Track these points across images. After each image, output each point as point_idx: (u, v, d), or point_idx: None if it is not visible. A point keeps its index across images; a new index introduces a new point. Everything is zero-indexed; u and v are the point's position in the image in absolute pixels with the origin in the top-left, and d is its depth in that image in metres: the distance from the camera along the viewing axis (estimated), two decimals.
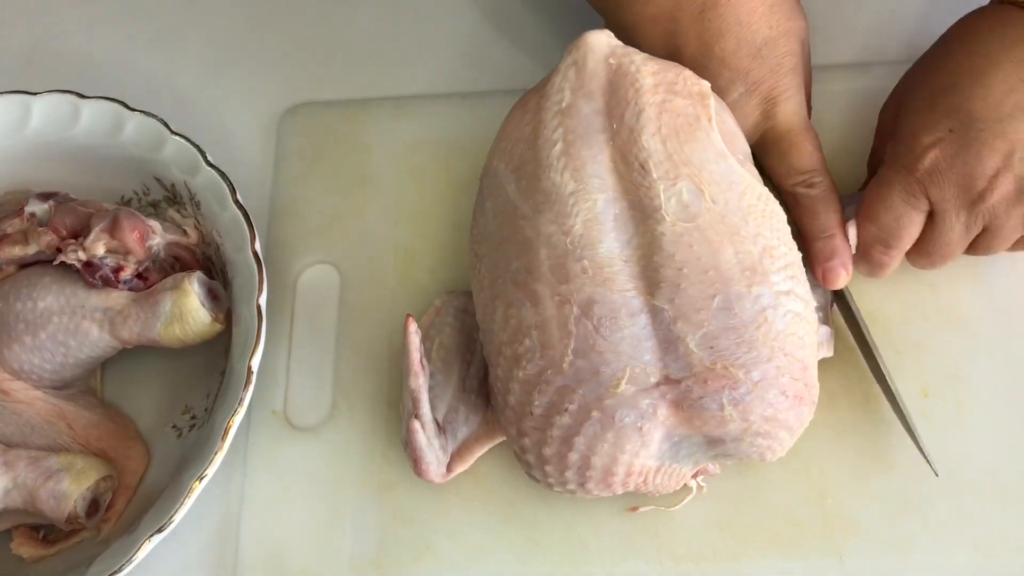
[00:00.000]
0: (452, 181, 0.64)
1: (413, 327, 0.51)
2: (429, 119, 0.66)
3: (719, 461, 0.50)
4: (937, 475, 0.52)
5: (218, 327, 0.55)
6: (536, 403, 0.47)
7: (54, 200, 0.57)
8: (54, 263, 0.55)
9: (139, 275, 0.56)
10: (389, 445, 0.57)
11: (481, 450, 0.53)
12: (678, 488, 0.50)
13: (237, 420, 0.50)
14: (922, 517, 0.52)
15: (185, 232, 0.58)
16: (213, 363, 0.58)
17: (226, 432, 0.50)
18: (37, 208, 0.57)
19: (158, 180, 0.59)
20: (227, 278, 0.56)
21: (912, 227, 0.51)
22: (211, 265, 0.59)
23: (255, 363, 0.51)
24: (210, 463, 0.50)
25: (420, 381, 0.51)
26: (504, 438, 0.53)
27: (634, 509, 0.53)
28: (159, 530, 0.49)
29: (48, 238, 0.55)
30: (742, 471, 0.53)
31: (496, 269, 0.50)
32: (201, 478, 0.49)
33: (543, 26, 0.69)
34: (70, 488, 0.52)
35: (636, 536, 0.53)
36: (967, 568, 0.51)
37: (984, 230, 0.50)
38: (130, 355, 0.59)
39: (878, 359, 0.54)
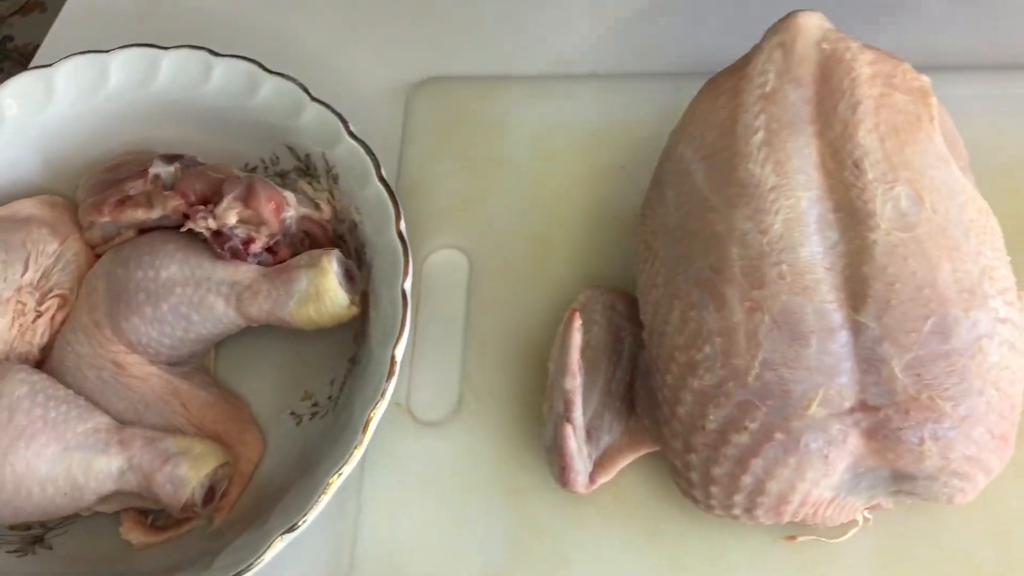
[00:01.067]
0: (591, 168, 0.59)
1: (577, 323, 0.46)
2: (569, 101, 0.61)
3: (898, 498, 0.46)
4: None
5: (354, 310, 0.51)
6: (711, 417, 0.43)
7: (180, 163, 0.53)
8: (180, 230, 0.52)
9: (269, 249, 0.52)
10: (519, 447, 0.53)
11: (624, 461, 0.49)
12: (845, 522, 0.46)
13: (379, 413, 0.46)
14: None
15: (318, 206, 0.54)
16: (339, 348, 0.54)
17: (366, 425, 0.46)
18: (162, 170, 0.53)
19: (290, 149, 0.55)
20: (362, 259, 0.52)
21: None
22: (343, 244, 0.54)
23: (399, 352, 0.47)
24: (349, 458, 0.46)
25: (577, 382, 0.46)
26: (649, 449, 0.49)
27: (792, 538, 0.49)
28: (291, 528, 0.45)
29: (175, 203, 0.52)
30: (914, 506, 0.49)
31: (675, 265, 0.45)
32: (340, 474, 0.45)
33: (697, 3, 0.64)
34: (189, 474, 0.49)
35: (791, 568, 0.49)
36: None
37: None
38: (244, 333, 0.55)
39: None
